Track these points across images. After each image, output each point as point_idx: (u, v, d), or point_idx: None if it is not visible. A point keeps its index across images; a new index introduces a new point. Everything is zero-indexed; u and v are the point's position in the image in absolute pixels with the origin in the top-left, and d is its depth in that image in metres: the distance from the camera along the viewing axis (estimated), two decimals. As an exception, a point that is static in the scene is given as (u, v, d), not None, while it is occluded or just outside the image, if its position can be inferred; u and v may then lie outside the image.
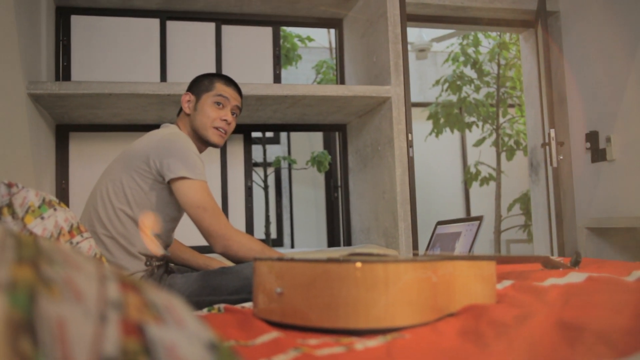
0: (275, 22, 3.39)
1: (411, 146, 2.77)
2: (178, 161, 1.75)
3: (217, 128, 1.95)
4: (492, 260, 1.12)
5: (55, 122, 2.96)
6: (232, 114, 2.00)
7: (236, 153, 3.27)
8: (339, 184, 3.62)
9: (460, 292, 1.03)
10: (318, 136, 5.17)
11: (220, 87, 1.97)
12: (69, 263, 0.44)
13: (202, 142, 1.98)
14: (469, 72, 5.24)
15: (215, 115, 1.94)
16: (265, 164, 4.24)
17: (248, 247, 1.75)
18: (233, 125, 2.01)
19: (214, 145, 1.99)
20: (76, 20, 3.06)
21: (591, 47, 3.20)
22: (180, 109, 2.01)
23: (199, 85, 1.99)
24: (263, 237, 4.09)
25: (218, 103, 1.95)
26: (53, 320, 0.36)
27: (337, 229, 3.64)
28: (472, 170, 5.20)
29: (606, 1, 3.10)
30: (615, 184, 3.03)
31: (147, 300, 0.44)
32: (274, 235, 4.87)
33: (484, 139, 5.13)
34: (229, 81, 2.01)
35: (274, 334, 0.90)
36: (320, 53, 5.45)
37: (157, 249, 1.82)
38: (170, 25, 3.18)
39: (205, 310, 1.27)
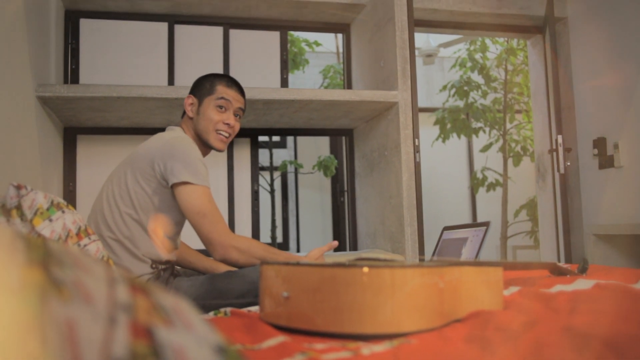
0: (282, 26, 3.40)
1: (418, 151, 2.77)
2: (181, 165, 1.75)
3: (219, 132, 1.94)
4: (499, 267, 1.12)
5: (63, 124, 2.97)
6: (235, 115, 1.99)
7: (243, 157, 3.28)
8: (345, 188, 3.62)
9: (466, 298, 1.03)
10: (325, 141, 5.17)
11: (221, 90, 1.95)
12: (78, 265, 0.44)
13: (206, 146, 1.98)
14: (476, 77, 5.23)
15: (217, 118, 1.93)
16: (271, 168, 4.25)
17: (248, 254, 1.73)
18: (237, 128, 2.00)
19: (217, 150, 1.98)
20: (85, 24, 3.08)
21: (599, 54, 3.19)
22: (184, 112, 2.01)
23: (200, 88, 1.98)
24: (269, 241, 4.09)
25: (220, 107, 1.94)
26: (63, 322, 0.36)
27: (343, 234, 3.64)
28: (479, 175, 5.19)
29: (614, 8, 3.09)
30: (622, 191, 3.02)
31: (156, 303, 0.45)
32: (280, 239, 4.86)
33: (490, 144, 5.12)
34: (231, 82, 1.99)
35: (280, 338, 0.90)
36: (328, 58, 5.46)
37: (163, 253, 1.83)
38: (178, 29, 3.20)
39: (211, 314, 1.27)
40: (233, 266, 1.79)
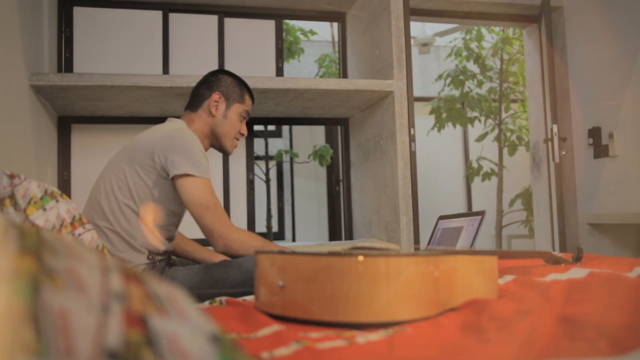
0: (278, 15, 3.38)
1: (413, 140, 2.77)
2: (183, 158, 1.75)
3: (235, 139, 2.03)
4: (494, 255, 1.12)
5: (57, 113, 2.95)
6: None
7: (238, 146, 3.26)
8: (341, 177, 3.61)
9: (461, 287, 1.03)
10: (320, 130, 5.17)
11: (249, 103, 2.04)
12: (71, 254, 0.44)
13: (215, 145, 2.02)
14: (472, 67, 5.22)
15: (239, 127, 2.02)
16: (267, 158, 4.24)
17: (248, 246, 1.76)
18: None
19: (226, 154, 2.07)
20: (79, 12, 3.05)
21: (594, 43, 3.19)
22: (189, 103, 2.01)
23: (230, 91, 2.00)
24: (264, 230, 4.09)
25: (244, 117, 2.03)
26: (56, 311, 0.36)
27: (339, 223, 3.64)
28: (474, 165, 5.19)
29: (610, -4, 3.08)
30: (617, 180, 3.03)
31: (149, 291, 0.44)
32: (275, 228, 4.87)
33: (486, 134, 5.12)
34: (252, 95, 2.08)
35: (275, 327, 0.90)
36: (323, 47, 5.44)
37: (159, 243, 1.82)
38: (173, 17, 3.17)
39: (206, 303, 1.27)
40: (232, 258, 1.80)
